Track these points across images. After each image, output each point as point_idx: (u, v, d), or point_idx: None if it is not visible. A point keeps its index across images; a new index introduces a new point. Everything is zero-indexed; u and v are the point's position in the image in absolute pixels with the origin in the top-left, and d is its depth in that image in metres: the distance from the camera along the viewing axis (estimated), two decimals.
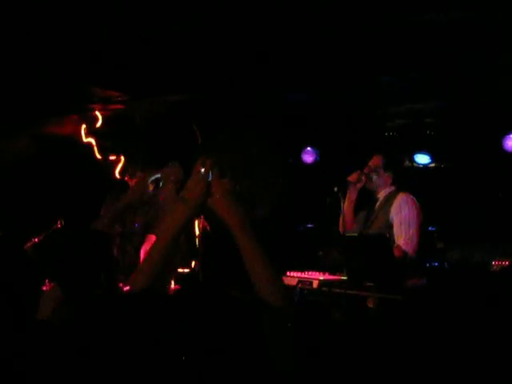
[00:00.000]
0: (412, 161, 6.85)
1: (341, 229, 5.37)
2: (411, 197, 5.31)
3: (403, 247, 5.06)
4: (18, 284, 2.11)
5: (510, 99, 6.10)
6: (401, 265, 4.83)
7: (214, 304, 1.37)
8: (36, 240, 5.47)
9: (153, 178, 3.16)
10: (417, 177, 6.45)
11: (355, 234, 5.10)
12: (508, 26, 4.85)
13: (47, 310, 2.35)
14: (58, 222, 5.62)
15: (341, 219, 5.36)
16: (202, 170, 2.22)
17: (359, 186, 5.48)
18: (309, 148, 7.37)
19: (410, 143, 6.50)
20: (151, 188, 3.27)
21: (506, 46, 5.21)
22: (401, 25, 4.98)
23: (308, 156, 7.40)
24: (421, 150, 6.88)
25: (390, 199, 5.35)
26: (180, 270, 6.46)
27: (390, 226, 5.19)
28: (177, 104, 6.86)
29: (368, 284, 4.35)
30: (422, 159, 6.89)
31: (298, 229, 7.01)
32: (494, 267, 5.57)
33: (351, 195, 5.48)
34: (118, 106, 7.17)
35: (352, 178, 5.45)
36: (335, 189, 5.36)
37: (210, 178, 2.21)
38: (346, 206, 5.44)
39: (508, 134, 6.42)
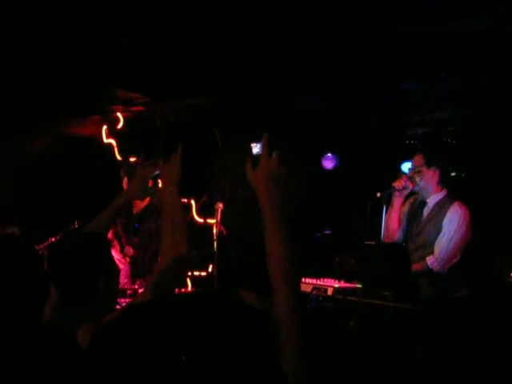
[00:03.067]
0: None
1: (385, 237, 5.13)
2: (466, 209, 5.00)
3: (429, 262, 4.87)
4: (26, 283, 2.11)
5: None
6: (424, 276, 4.70)
7: (226, 311, 1.35)
8: (53, 240, 5.52)
9: (153, 174, 3.01)
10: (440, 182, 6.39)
11: (373, 242, 5.03)
12: None
13: (47, 311, 2.34)
14: (75, 223, 5.66)
15: (385, 227, 5.14)
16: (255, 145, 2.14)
17: (406, 192, 5.17)
18: (329, 154, 7.35)
19: (430, 151, 6.41)
20: (151, 184, 3.17)
21: None
22: (424, 32, 4.95)
23: (328, 162, 7.38)
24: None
25: (443, 207, 5.04)
26: (196, 273, 6.49)
27: None
28: (197, 107, 6.88)
29: (384, 293, 4.31)
30: None
31: (316, 235, 6.98)
32: None
33: (397, 202, 5.18)
34: (140, 108, 7.20)
35: (398, 183, 5.12)
36: (378, 195, 5.12)
37: (259, 152, 2.12)
38: (392, 213, 5.16)
39: None
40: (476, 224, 5.29)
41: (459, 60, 5.36)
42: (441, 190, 5.15)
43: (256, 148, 2.16)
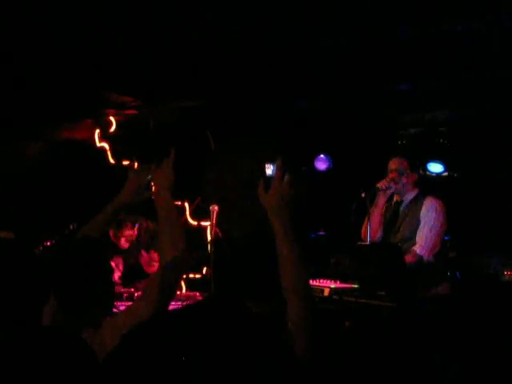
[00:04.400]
0: (425, 169, 6.84)
1: (364, 235, 5.36)
2: (440, 201, 5.33)
3: (418, 251, 5.09)
4: (25, 287, 2.11)
5: None
6: (417, 272, 4.81)
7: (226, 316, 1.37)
8: (48, 243, 5.52)
9: (147, 178, 3.00)
10: (430, 186, 6.43)
11: (367, 243, 5.09)
12: None
13: (47, 316, 2.34)
14: (71, 227, 5.66)
15: (365, 226, 5.36)
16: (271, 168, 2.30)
17: (389, 192, 5.46)
18: (322, 155, 7.37)
19: (423, 152, 6.50)
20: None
21: None
22: (416, 33, 4.98)
23: (321, 163, 7.39)
24: (434, 159, 6.86)
25: (417, 202, 5.36)
26: (191, 276, 6.50)
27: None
28: (190, 110, 6.88)
29: (379, 293, 4.34)
30: (435, 168, 6.87)
31: (311, 236, 7.00)
32: (506, 277, 5.57)
33: (380, 202, 5.46)
34: (132, 112, 7.20)
35: (382, 184, 5.41)
36: (362, 195, 5.33)
37: (272, 174, 2.28)
38: (375, 212, 5.42)
39: None
40: (467, 223, 5.45)
41: (447, 61, 5.40)
42: (414, 188, 5.48)
43: (269, 170, 2.30)
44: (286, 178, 2.30)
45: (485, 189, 6.76)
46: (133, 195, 3.06)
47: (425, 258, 5.08)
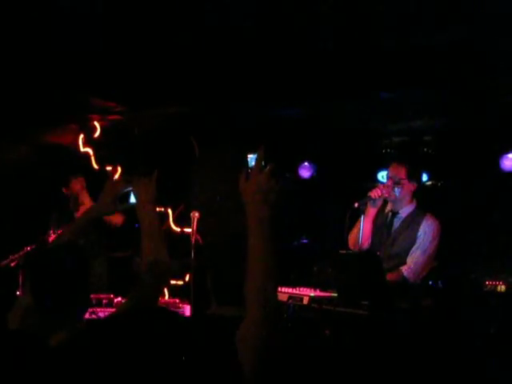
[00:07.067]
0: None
1: (352, 244, 5.18)
2: (438, 223, 5.10)
3: (405, 273, 4.94)
4: None
5: (509, 118, 6.11)
6: (401, 290, 4.74)
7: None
8: (28, 249, 5.50)
9: (124, 190, 3.00)
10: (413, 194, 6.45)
11: (348, 251, 5.05)
12: (507, 46, 4.88)
13: (16, 319, 2.34)
14: (50, 233, 5.65)
15: (354, 235, 5.15)
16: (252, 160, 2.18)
17: (380, 202, 5.18)
18: (306, 163, 7.38)
19: (407, 160, 6.48)
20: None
21: (505, 66, 5.23)
22: (401, 42, 5.00)
23: (305, 171, 7.40)
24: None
25: (415, 219, 5.11)
26: (173, 282, 6.49)
27: None
28: (175, 116, 6.88)
29: (359, 302, 4.33)
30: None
31: (293, 244, 7.00)
32: (488, 287, 5.57)
33: (371, 211, 5.19)
34: (117, 117, 7.19)
35: (374, 193, 5.10)
36: (355, 205, 5.05)
37: (251, 166, 2.16)
38: (365, 222, 5.13)
39: (505, 153, 6.42)
40: (449, 232, 5.37)
41: (434, 70, 5.42)
42: (411, 201, 5.22)
43: (252, 160, 2.20)
44: (267, 168, 2.15)
45: (468, 198, 6.77)
46: (108, 206, 3.06)
47: (410, 280, 4.93)
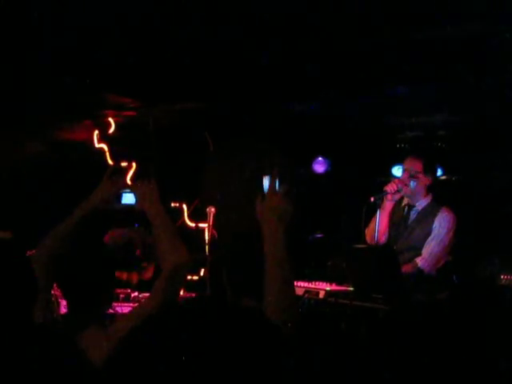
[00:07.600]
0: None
1: (369, 239, 5.17)
2: (454, 216, 5.12)
3: (420, 263, 4.96)
4: (17, 288, 2.13)
5: None
6: (416, 282, 4.75)
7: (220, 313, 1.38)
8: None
9: (117, 192, 3.00)
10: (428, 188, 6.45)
11: (363, 246, 5.05)
12: None
13: (39, 314, 2.37)
14: None
15: (371, 229, 5.15)
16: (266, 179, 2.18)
17: (397, 196, 5.18)
18: (320, 158, 7.38)
19: (423, 154, 6.43)
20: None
21: None
22: (415, 36, 4.99)
23: (319, 166, 7.41)
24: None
25: (431, 212, 5.14)
26: (188, 277, 6.50)
27: None
28: (189, 112, 6.90)
29: (374, 296, 4.34)
30: None
31: (308, 239, 7.01)
32: (503, 281, 5.56)
33: (387, 206, 5.17)
34: (131, 113, 7.21)
35: (390, 187, 5.11)
36: (372, 199, 5.08)
37: (266, 187, 2.19)
38: (382, 217, 5.15)
39: None
40: (464, 227, 5.37)
41: (448, 65, 5.41)
42: (427, 195, 5.25)
43: (267, 182, 2.22)
44: (281, 190, 2.20)
45: (483, 192, 6.76)
46: (103, 202, 3.06)
47: (425, 271, 4.95)
